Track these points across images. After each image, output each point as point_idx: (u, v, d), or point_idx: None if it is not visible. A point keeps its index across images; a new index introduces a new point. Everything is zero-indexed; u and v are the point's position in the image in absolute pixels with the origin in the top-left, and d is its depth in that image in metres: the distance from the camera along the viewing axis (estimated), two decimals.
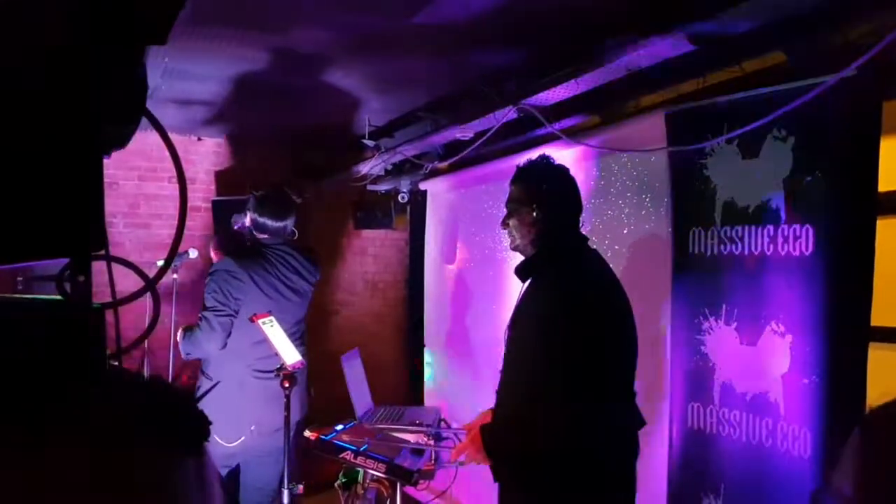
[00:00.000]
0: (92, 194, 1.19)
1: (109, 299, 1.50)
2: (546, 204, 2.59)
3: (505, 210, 2.70)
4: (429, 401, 5.80)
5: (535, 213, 2.59)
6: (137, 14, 1.44)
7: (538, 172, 2.67)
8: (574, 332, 2.41)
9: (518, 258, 2.72)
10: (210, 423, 0.92)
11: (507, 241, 2.74)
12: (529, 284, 2.63)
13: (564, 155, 3.88)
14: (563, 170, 2.70)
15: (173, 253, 1.52)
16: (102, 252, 1.32)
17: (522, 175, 2.68)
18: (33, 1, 1.14)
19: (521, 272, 2.65)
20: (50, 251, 1.22)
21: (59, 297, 1.23)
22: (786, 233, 2.66)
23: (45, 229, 1.16)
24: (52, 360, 1.04)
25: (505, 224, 2.69)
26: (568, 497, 2.45)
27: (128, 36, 1.45)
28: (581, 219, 2.72)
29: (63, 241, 1.18)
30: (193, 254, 5.15)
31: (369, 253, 6.91)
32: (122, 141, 1.65)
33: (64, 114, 1.16)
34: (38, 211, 1.15)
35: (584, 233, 2.71)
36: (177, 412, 0.87)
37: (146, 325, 1.64)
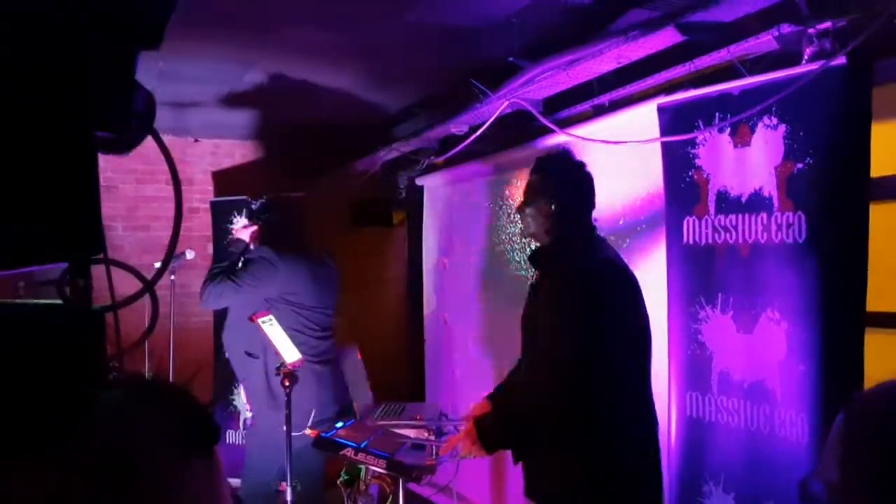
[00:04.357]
0: (89, 199, 1.20)
1: (110, 302, 1.51)
2: (564, 198, 2.66)
3: (522, 197, 2.77)
4: (429, 395, 5.82)
5: (552, 206, 2.65)
6: (131, 20, 1.45)
7: (559, 166, 2.74)
8: (587, 322, 2.48)
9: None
10: (219, 427, 0.94)
11: (521, 226, 2.81)
12: (543, 274, 2.69)
13: (558, 146, 3.89)
14: (581, 165, 2.77)
15: (170, 255, 1.54)
16: (101, 256, 1.34)
17: (544, 167, 2.74)
18: (31, 9, 1.15)
19: (535, 260, 2.73)
20: (49, 256, 1.23)
21: (59, 301, 1.25)
22: (779, 220, 2.67)
23: (44, 235, 1.18)
24: (53, 364, 1.06)
25: (521, 210, 2.74)
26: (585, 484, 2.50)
27: (123, 41, 1.46)
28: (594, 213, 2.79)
29: (62, 245, 1.20)
30: (190, 254, 5.17)
31: (367, 250, 6.91)
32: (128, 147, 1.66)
33: (60, 122, 1.18)
34: (37, 217, 1.16)
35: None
36: (188, 415, 0.89)
37: (145, 324, 1.66)
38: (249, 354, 3.76)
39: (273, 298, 3.77)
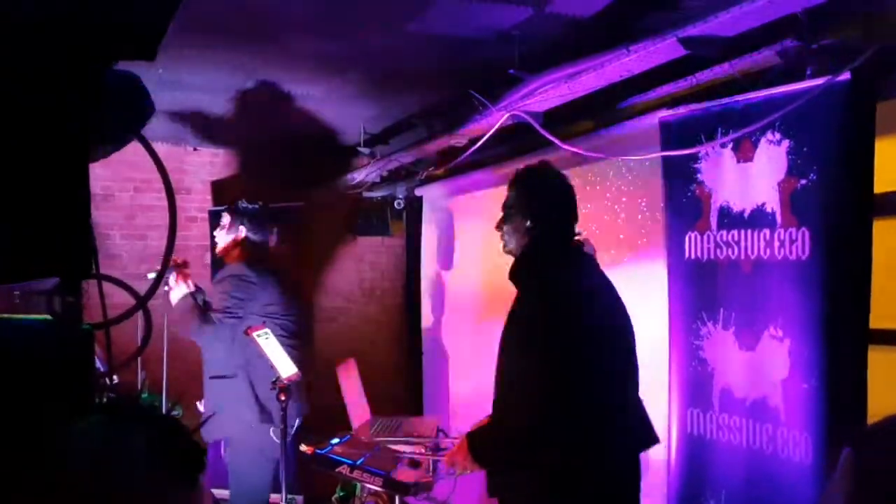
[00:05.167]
0: (80, 216, 1.17)
1: (102, 315, 1.48)
2: (540, 214, 2.58)
3: (501, 213, 2.69)
4: (427, 410, 5.77)
5: (528, 223, 2.58)
6: (126, 30, 1.43)
7: (535, 181, 2.66)
8: (555, 341, 2.38)
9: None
10: (206, 453, 0.91)
11: (500, 243, 2.74)
12: (517, 292, 2.61)
13: (559, 158, 3.87)
14: (560, 178, 2.68)
15: (164, 270, 1.50)
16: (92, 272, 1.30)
17: (520, 182, 2.67)
18: (20, 28, 1.13)
19: (512, 277, 2.64)
20: (39, 272, 1.20)
21: (49, 317, 1.22)
22: (782, 236, 2.65)
23: (34, 251, 1.15)
24: (42, 385, 1.03)
25: (499, 227, 2.68)
26: None
27: (117, 53, 1.44)
28: (576, 228, 2.69)
29: (52, 262, 1.17)
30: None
31: (366, 260, 6.88)
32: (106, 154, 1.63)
33: (52, 140, 1.15)
34: (27, 233, 1.13)
35: (579, 239, 2.69)
36: (174, 443, 0.86)
37: (140, 335, 1.62)
38: (222, 377, 3.66)
39: (255, 312, 3.73)
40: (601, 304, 2.56)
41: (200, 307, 3.66)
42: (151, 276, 3.76)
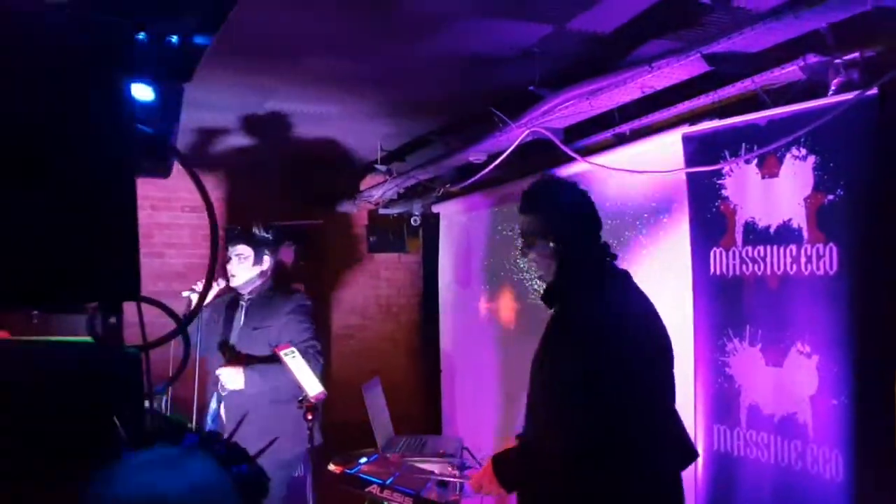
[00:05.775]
0: (128, 239, 1.18)
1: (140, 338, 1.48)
2: (563, 232, 2.45)
3: (521, 239, 2.56)
4: (447, 428, 5.75)
5: (552, 244, 2.45)
6: (166, 55, 1.44)
7: (547, 198, 2.53)
8: (594, 361, 2.29)
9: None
10: (269, 479, 0.92)
11: (531, 273, 2.62)
12: (554, 312, 2.51)
13: (580, 174, 3.87)
14: (571, 187, 2.57)
15: (206, 291, 1.51)
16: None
17: (531, 203, 2.53)
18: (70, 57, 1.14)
19: (546, 298, 2.54)
20: (86, 295, 1.20)
21: (87, 339, 1.22)
22: (809, 252, 2.64)
23: (81, 273, 1.15)
24: (95, 412, 1.03)
25: (524, 254, 2.56)
26: None
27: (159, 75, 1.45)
28: (601, 234, 2.57)
29: (99, 286, 1.17)
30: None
31: (382, 276, 6.89)
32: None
33: (99, 157, 1.16)
34: (76, 258, 1.14)
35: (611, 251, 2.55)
36: (237, 469, 0.86)
37: (170, 354, 1.61)
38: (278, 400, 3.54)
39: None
40: (641, 322, 2.46)
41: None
42: (186, 294, 3.73)
